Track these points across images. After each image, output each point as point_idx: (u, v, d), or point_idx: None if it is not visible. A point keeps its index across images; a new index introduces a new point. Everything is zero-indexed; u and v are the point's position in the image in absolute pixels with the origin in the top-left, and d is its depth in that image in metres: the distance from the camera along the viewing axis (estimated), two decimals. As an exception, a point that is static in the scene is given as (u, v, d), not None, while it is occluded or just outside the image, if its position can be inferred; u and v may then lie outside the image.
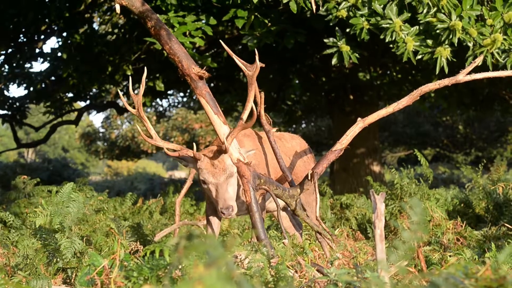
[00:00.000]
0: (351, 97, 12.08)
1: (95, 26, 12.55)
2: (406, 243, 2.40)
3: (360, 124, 4.44)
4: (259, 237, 3.98)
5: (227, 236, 6.46)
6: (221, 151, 4.07)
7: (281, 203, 4.59)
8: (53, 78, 11.54)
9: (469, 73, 4.46)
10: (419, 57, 6.16)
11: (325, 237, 4.45)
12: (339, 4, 6.23)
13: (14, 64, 11.05)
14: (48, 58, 11.13)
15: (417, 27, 6.13)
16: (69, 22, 10.25)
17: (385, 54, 10.24)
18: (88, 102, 13.08)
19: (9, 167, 18.84)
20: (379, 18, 6.16)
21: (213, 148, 4.16)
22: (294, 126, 21.04)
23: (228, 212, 4.03)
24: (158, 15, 7.10)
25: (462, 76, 4.44)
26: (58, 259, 4.09)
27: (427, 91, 4.49)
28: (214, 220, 4.52)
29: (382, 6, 6.16)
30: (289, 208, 4.50)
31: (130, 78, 4.48)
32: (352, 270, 3.01)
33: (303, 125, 24.86)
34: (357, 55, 6.75)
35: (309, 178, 4.29)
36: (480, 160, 9.75)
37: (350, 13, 6.24)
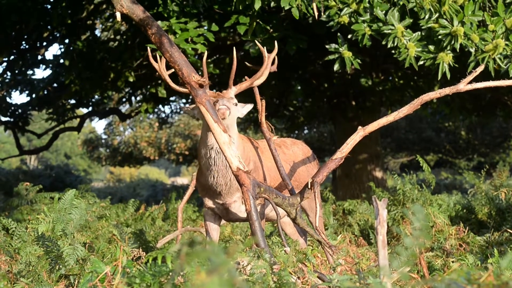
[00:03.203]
0: (353, 103, 12.07)
1: (97, 32, 12.60)
2: (409, 249, 2.39)
3: (360, 133, 4.44)
4: (259, 245, 3.97)
5: (230, 242, 6.45)
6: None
7: (282, 212, 4.58)
8: (55, 84, 11.58)
9: (470, 81, 4.45)
10: (421, 62, 6.17)
11: (325, 247, 4.43)
12: (341, 10, 6.24)
13: (16, 71, 11.08)
14: (50, 65, 11.17)
15: (419, 32, 6.14)
16: (71, 29, 10.28)
17: (387, 60, 10.25)
18: (90, 108, 13.11)
19: (12, 174, 18.87)
20: (381, 24, 6.17)
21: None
22: (296, 132, 21.02)
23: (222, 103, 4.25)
24: (160, 21, 7.17)
25: (463, 85, 4.42)
26: (61, 266, 4.09)
27: (427, 100, 4.48)
28: (213, 225, 4.51)
29: (384, 12, 6.17)
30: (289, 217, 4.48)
31: None
32: (355, 276, 3.00)
33: (305, 131, 24.85)
34: (359, 61, 6.75)
35: (309, 187, 4.28)
36: (482, 166, 9.76)
37: (352, 19, 6.25)
